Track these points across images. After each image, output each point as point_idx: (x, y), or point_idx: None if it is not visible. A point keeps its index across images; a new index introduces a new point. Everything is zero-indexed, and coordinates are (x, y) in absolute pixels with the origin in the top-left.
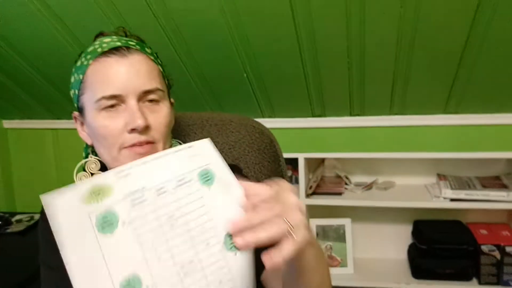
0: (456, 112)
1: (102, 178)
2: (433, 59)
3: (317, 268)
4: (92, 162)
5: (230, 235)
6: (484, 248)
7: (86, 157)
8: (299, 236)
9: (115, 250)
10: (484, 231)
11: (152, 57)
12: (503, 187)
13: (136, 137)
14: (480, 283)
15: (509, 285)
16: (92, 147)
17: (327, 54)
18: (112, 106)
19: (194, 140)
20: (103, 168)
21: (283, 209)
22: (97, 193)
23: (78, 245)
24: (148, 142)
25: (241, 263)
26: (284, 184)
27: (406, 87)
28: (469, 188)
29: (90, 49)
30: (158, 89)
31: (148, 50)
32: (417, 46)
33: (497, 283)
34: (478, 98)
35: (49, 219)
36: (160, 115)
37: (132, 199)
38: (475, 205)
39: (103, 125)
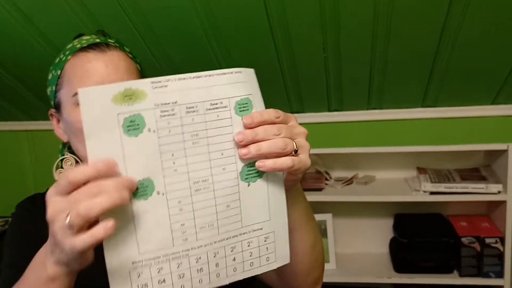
0: (434, 105)
1: (138, 83)
2: (409, 53)
3: (308, 227)
4: (68, 160)
5: (248, 166)
6: (464, 240)
7: (63, 155)
8: (303, 158)
9: (135, 153)
10: (464, 223)
11: (131, 56)
12: (482, 179)
13: None
14: (461, 275)
15: (489, 276)
16: (69, 144)
17: (303, 49)
18: None
19: None
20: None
21: (291, 132)
22: (130, 96)
23: (102, 140)
24: None
25: (252, 195)
26: (293, 116)
27: (383, 82)
28: (449, 181)
29: (69, 46)
30: None
31: (127, 49)
32: (392, 40)
33: (478, 275)
34: (454, 91)
35: (81, 108)
36: None
37: (162, 110)
38: (454, 198)
39: (79, 120)
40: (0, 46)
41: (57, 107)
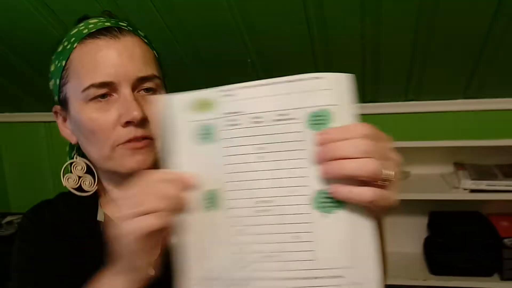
0: (476, 96)
1: (207, 93)
2: (454, 40)
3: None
4: (78, 164)
5: (323, 193)
6: (507, 241)
7: (71, 158)
8: (388, 193)
9: (203, 162)
10: (505, 223)
11: (146, 41)
12: None
13: (132, 131)
14: (502, 278)
15: None
16: (78, 146)
17: (340, 34)
18: (102, 96)
19: None
20: (89, 171)
21: (384, 155)
22: (201, 105)
23: (176, 146)
24: (145, 137)
25: (329, 229)
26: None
27: (423, 71)
28: (490, 178)
29: (74, 31)
30: (155, 76)
31: (142, 33)
32: (437, 27)
33: None
34: (501, 81)
35: (159, 112)
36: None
37: (229, 119)
38: (497, 196)
39: (91, 118)
40: (17, 34)
41: (63, 103)
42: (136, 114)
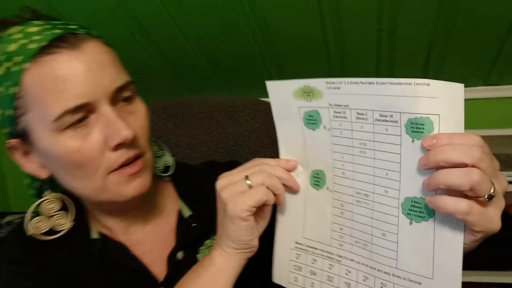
0: (498, 83)
1: (314, 82)
2: (478, 24)
3: None
4: (49, 202)
5: (413, 201)
6: None
7: (39, 196)
8: (490, 212)
9: (313, 144)
10: None
11: (104, 41)
12: None
13: (124, 154)
14: None
15: None
16: (50, 180)
17: (353, 17)
18: (79, 120)
19: (199, 130)
20: (64, 207)
21: (493, 172)
22: (308, 93)
23: (289, 127)
24: (137, 156)
25: (413, 237)
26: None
27: (444, 56)
28: (509, 168)
29: (13, 47)
30: (130, 82)
31: (94, 32)
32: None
33: None
34: None
35: (270, 98)
36: (140, 116)
37: (335, 111)
38: None
39: (72, 149)
40: None
41: (22, 136)
42: (126, 133)
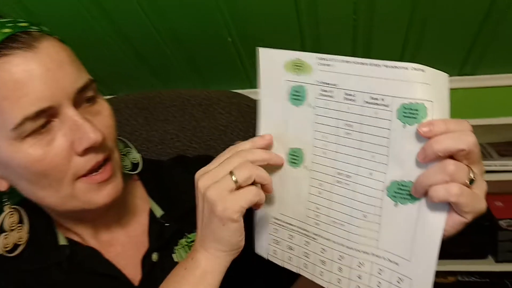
0: (472, 73)
1: (306, 56)
2: (453, 15)
3: None
4: (8, 215)
5: (400, 184)
6: (502, 223)
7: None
8: (478, 194)
9: (294, 121)
10: (499, 203)
11: (59, 38)
12: None
13: (93, 158)
14: (497, 260)
15: None
16: (10, 191)
17: (330, 8)
18: (42, 126)
19: (172, 125)
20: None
21: (474, 156)
22: (298, 67)
23: (272, 97)
24: (106, 159)
25: (397, 219)
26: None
27: (419, 46)
28: (485, 158)
29: None
30: (91, 81)
31: (46, 29)
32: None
33: None
34: (500, 57)
35: (260, 66)
36: (106, 117)
37: (323, 89)
38: (492, 177)
39: (35, 158)
40: None
41: None
42: (94, 136)
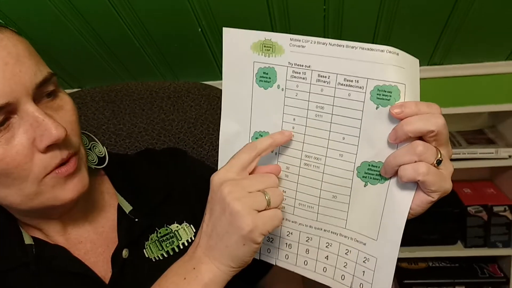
0: (441, 63)
1: (277, 36)
2: (422, 4)
3: None
4: None
5: (370, 164)
6: (471, 209)
7: None
8: (444, 174)
9: (261, 104)
10: (468, 190)
11: (17, 32)
12: (489, 142)
13: (57, 155)
14: (466, 246)
15: (496, 246)
16: None
17: (301, 4)
18: (0, 123)
19: (140, 118)
20: None
21: (441, 137)
22: (268, 48)
23: (238, 82)
24: (71, 155)
25: (366, 199)
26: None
27: (388, 36)
28: (454, 146)
29: None
30: (51, 75)
31: (2, 21)
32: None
33: (484, 245)
34: (468, 47)
35: (223, 47)
36: (68, 111)
37: (294, 71)
38: (460, 165)
39: (3, 158)
40: None
41: None
42: (57, 133)
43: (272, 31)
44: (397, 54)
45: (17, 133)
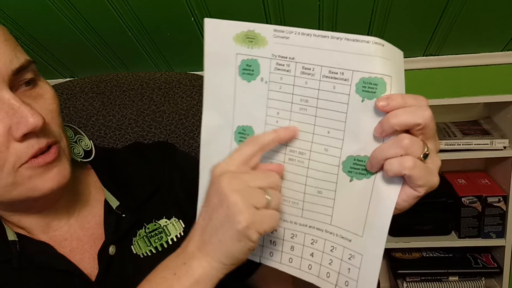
0: (437, 54)
1: (261, 27)
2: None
3: None
4: None
5: (356, 159)
6: (465, 200)
7: None
8: (431, 168)
9: (244, 97)
10: (462, 181)
11: None
12: (484, 133)
13: (34, 144)
14: (460, 236)
15: (490, 237)
16: None
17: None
18: None
19: (130, 109)
20: None
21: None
22: (251, 39)
23: (219, 74)
24: (50, 145)
25: (351, 194)
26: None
27: (384, 26)
28: (449, 136)
29: None
30: (29, 62)
31: None
32: None
33: (478, 236)
34: (463, 38)
35: (205, 38)
36: (48, 100)
37: (278, 63)
38: (456, 156)
39: None
40: None
41: None
42: (34, 120)
43: (266, 21)
44: (383, 45)
45: None
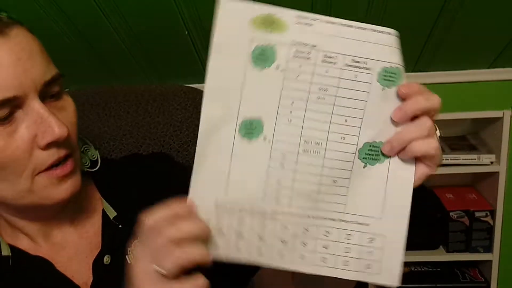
0: (425, 69)
1: (282, 12)
2: (409, 10)
3: None
4: None
5: (371, 145)
6: (453, 214)
7: None
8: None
9: (254, 87)
10: (450, 196)
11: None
12: (472, 148)
13: (55, 153)
14: (448, 251)
15: (477, 251)
16: None
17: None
18: (5, 116)
19: (125, 121)
20: None
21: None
22: (269, 24)
23: (228, 61)
24: (67, 156)
25: (366, 180)
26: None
27: None
28: None
29: None
30: (59, 75)
31: (16, 17)
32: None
33: (465, 250)
34: (452, 55)
35: (217, 19)
36: (70, 113)
37: (298, 50)
38: (444, 170)
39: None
40: None
41: None
42: (60, 131)
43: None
44: (394, 35)
45: (19, 127)
